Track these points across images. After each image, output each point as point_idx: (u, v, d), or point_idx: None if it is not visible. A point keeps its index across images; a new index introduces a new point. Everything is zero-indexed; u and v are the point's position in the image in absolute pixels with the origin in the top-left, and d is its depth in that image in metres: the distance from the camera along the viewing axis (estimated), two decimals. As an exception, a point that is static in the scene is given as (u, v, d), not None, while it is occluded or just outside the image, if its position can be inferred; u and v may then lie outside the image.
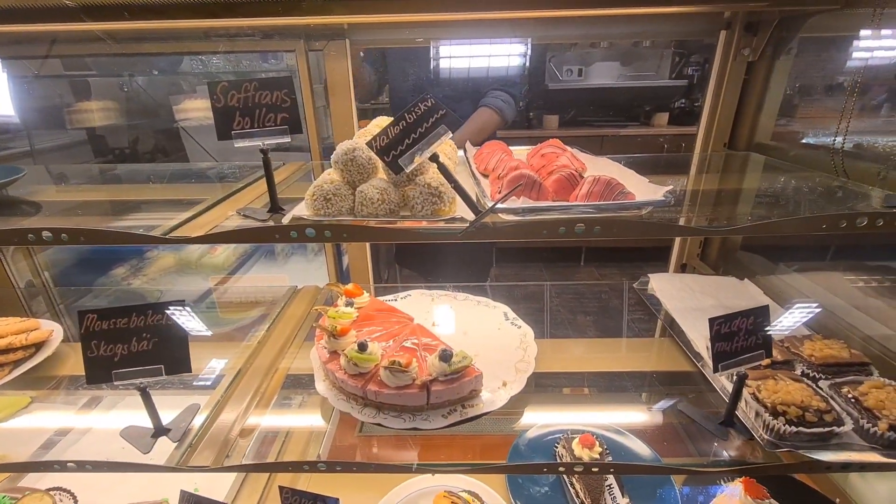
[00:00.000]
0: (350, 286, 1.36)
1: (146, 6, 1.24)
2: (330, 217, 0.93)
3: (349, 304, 1.29)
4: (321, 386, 1.12)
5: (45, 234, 0.91)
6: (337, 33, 1.61)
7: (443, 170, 0.87)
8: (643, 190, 0.97)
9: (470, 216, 0.88)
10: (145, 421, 1.07)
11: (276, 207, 1.02)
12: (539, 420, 1.23)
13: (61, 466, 0.97)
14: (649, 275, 1.67)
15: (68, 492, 1.41)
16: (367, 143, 0.92)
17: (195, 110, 2.27)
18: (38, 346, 1.33)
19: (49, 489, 1.36)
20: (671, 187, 0.90)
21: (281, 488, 1.08)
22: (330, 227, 0.90)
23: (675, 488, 1.33)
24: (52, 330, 1.37)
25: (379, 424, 1.00)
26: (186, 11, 1.29)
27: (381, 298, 1.44)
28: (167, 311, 0.99)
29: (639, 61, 5.40)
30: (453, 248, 2.52)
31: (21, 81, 2.42)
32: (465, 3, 1.34)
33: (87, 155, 2.90)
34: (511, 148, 1.33)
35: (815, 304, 1.41)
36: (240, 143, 0.96)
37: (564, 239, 0.87)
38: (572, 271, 5.36)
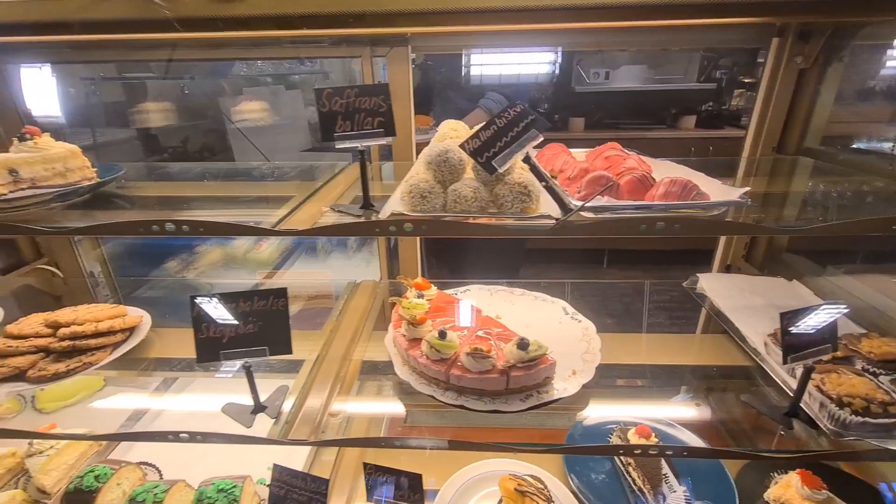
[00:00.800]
0: (419, 280, 1.44)
1: (238, 19, 1.33)
2: (424, 213, 1.01)
3: (420, 296, 1.37)
4: (402, 370, 1.20)
5: (169, 225, 1.01)
6: (400, 41, 1.69)
7: (535, 170, 0.94)
8: (716, 191, 1.03)
9: (554, 214, 0.95)
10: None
11: (367, 204, 1.11)
12: (598, 410, 1.30)
13: (174, 437, 1.07)
14: (698, 274, 1.72)
15: (154, 466, 1.51)
16: (459, 146, 1.00)
17: (251, 112, 2.38)
18: (131, 330, 1.44)
19: (137, 463, 1.47)
20: (748, 189, 0.96)
21: (365, 465, 1.17)
22: (426, 222, 0.98)
23: (731, 479, 1.38)
24: (141, 316, 1.48)
25: (462, 407, 1.08)
26: (270, 23, 1.39)
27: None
28: (271, 298, 1.08)
29: (667, 64, 5.42)
30: (488, 248, 2.60)
31: (88, 83, 2.57)
32: (522, 16, 1.40)
33: (140, 151, 3.05)
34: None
35: (865, 304, 1.45)
36: (340, 145, 1.05)
37: (590, 237, 0.93)
38: (594, 274, 5.39)
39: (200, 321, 1.07)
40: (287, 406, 1.17)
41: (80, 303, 2.08)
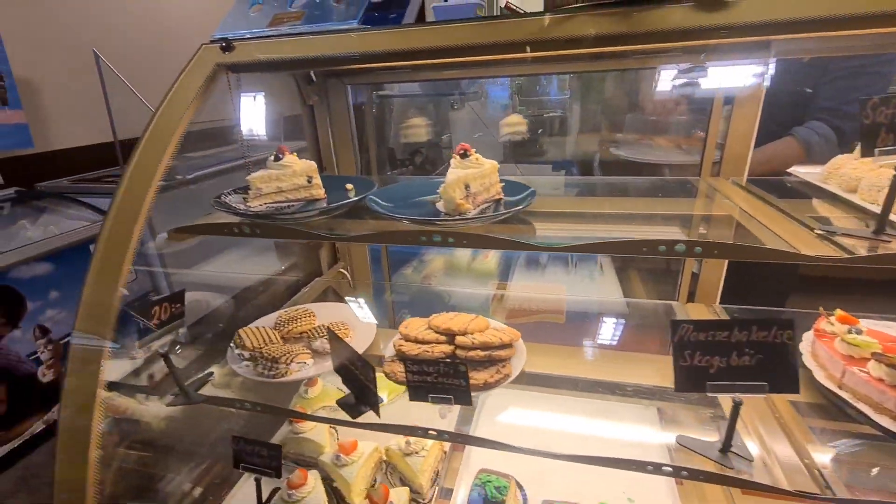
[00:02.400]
0: (839, 311, 1.27)
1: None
2: None
3: (857, 331, 1.19)
4: (886, 420, 1.04)
5: (679, 246, 0.96)
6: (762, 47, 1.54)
7: None
8: None
9: None
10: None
11: (881, 228, 0.97)
12: None
13: (655, 468, 1.02)
14: None
15: (519, 484, 1.51)
16: None
17: (516, 125, 2.41)
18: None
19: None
20: None
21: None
22: None
23: None
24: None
25: None
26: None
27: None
28: (773, 328, 0.98)
29: None
30: (756, 272, 2.32)
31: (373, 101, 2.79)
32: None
33: (381, 164, 3.28)
34: None
35: None
36: (884, 160, 0.93)
37: None
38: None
39: (684, 347, 1.01)
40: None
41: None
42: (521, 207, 1.20)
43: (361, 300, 2.26)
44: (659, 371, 1.53)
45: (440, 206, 1.27)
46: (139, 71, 4.41)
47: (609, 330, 1.93)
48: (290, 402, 1.84)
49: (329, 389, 1.82)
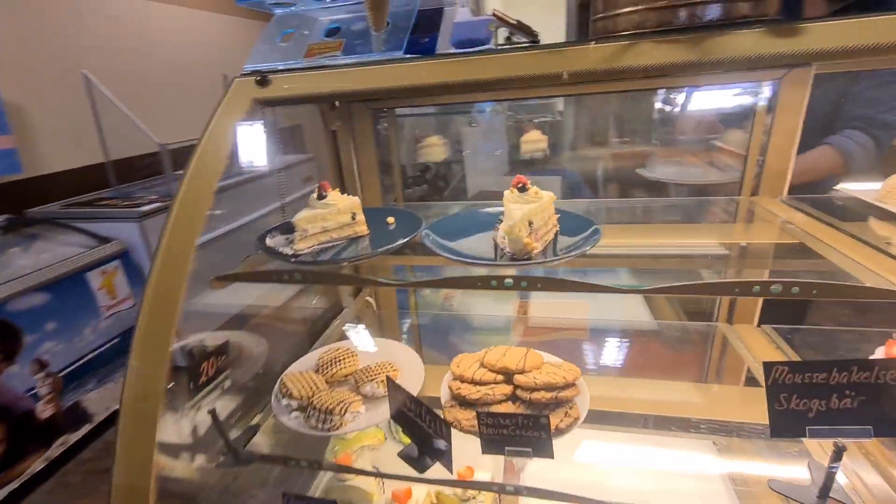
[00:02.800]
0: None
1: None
2: None
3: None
4: None
5: (774, 287, 0.92)
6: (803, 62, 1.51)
7: None
8: None
9: None
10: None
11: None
12: None
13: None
14: None
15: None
16: None
17: (536, 141, 2.36)
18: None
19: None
20: None
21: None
22: None
23: None
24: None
25: None
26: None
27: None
28: (876, 369, 0.94)
29: None
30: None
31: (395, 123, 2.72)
32: None
33: (404, 186, 3.22)
34: None
35: None
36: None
37: None
38: None
39: (779, 390, 0.96)
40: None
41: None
42: (588, 248, 1.14)
43: (393, 333, 2.19)
44: (705, 397, 1.49)
45: (499, 239, 1.21)
46: (127, 91, 4.27)
47: (652, 354, 1.89)
48: (327, 442, 1.76)
49: (367, 428, 1.75)
